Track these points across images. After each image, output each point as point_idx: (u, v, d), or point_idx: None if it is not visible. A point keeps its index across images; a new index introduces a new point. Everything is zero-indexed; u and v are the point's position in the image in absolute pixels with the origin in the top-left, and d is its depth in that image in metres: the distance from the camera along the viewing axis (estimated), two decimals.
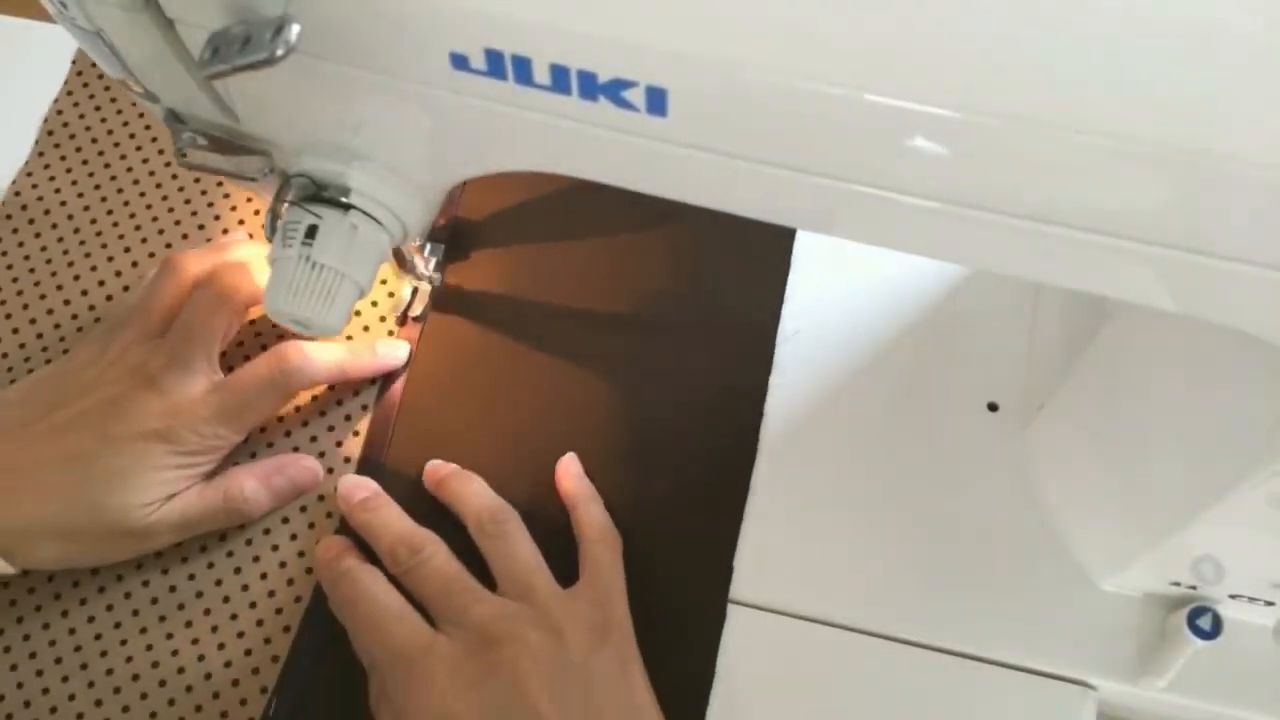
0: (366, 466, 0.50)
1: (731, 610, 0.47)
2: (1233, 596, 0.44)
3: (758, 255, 0.53)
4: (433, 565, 0.44)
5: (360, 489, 0.48)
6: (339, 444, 0.50)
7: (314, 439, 0.50)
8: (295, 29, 0.28)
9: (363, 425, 0.51)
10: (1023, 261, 0.30)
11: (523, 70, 0.28)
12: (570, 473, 0.48)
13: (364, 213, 0.37)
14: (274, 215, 0.38)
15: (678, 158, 0.29)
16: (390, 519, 0.46)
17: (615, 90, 0.28)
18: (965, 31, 0.25)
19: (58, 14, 0.34)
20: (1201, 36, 0.24)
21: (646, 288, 0.53)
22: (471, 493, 0.47)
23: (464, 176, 0.35)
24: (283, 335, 0.51)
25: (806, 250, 0.53)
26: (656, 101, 0.28)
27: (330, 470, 0.50)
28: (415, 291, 0.53)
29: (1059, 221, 0.28)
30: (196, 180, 0.56)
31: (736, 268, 0.53)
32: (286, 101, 0.34)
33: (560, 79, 0.28)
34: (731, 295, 0.53)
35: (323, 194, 0.37)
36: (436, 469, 0.49)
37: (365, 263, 0.37)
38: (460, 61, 0.29)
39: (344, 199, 0.37)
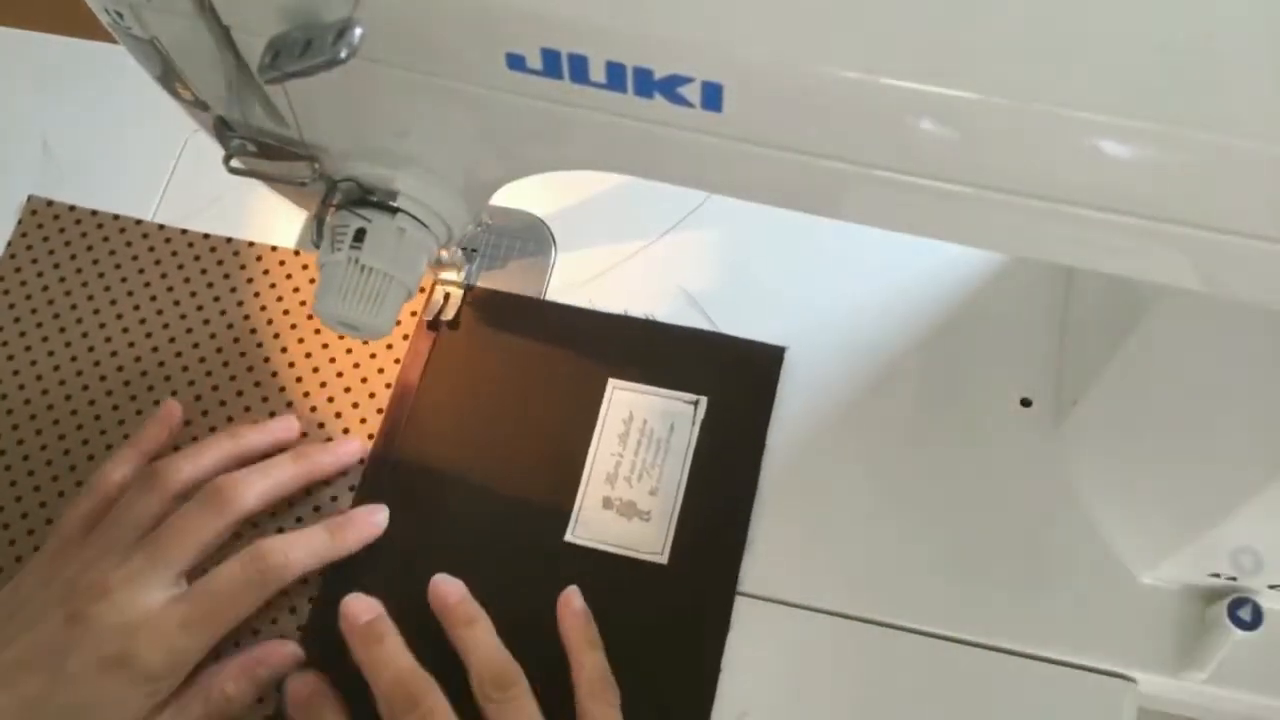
0: (377, 464, 0.50)
1: (752, 605, 0.47)
2: (1272, 587, 0.44)
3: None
4: None
5: (365, 610, 0.45)
6: (362, 420, 0.51)
7: (328, 439, 0.51)
8: (358, 31, 0.28)
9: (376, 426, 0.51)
10: (1055, 245, 0.30)
11: (579, 69, 0.29)
12: (572, 609, 0.46)
13: (411, 216, 0.37)
14: (320, 221, 0.39)
15: (733, 153, 0.29)
16: (392, 656, 0.44)
17: (671, 86, 0.28)
18: (1020, 24, 0.25)
19: (111, 23, 0.34)
20: (1222, 14, 0.24)
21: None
22: (477, 642, 0.44)
23: (516, 177, 0.36)
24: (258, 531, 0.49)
25: (838, 240, 0.54)
26: (712, 97, 0.28)
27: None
28: (447, 297, 0.54)
29: (1088, 204, 0.28)
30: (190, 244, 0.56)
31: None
32: (339, 106, 0.34)
33: (616, 76, 0.29)
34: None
35: (369, 198, 0.38)
36: (443, 592, 0.46)
37: (413, 265, 0.38)
38: (517, 62, 0.29)
39: (391, 203, 0.37)
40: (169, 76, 0.36)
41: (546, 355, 0.52)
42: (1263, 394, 0.37)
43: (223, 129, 0.38)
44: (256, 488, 0.46)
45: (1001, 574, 0.47)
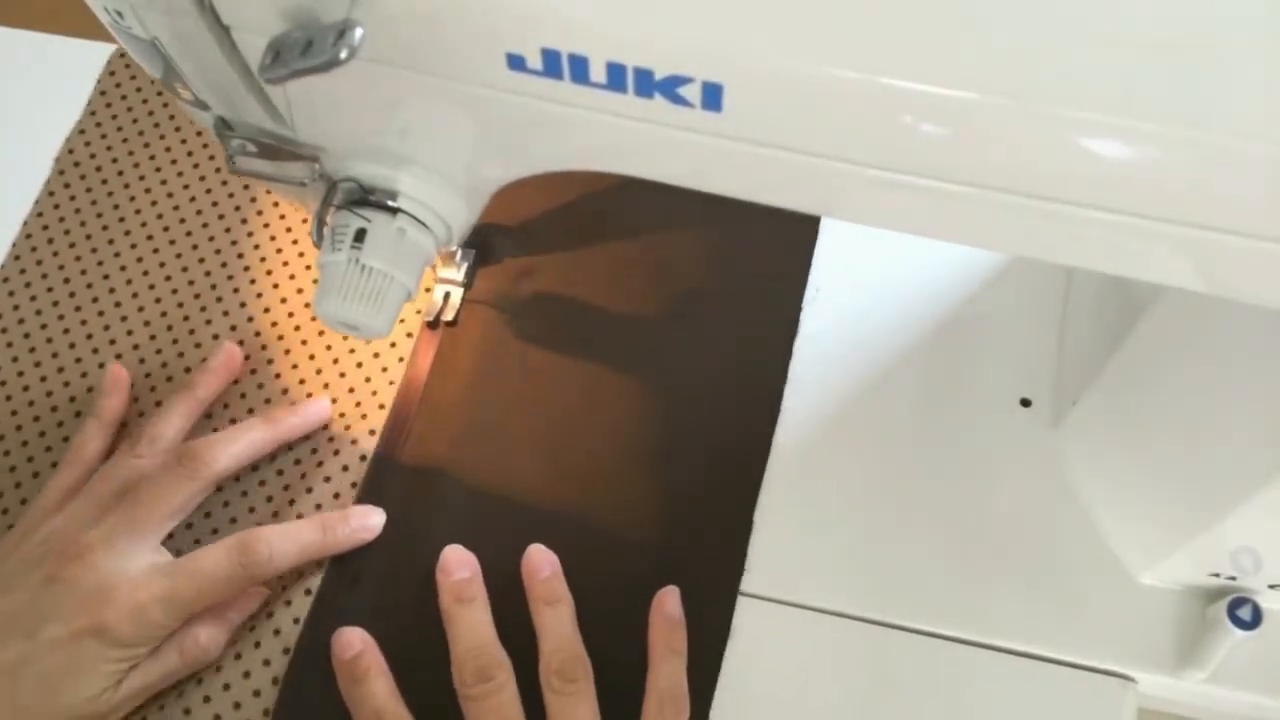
0: (381, 463, 0.50)
1: (753, 604, 0.47)
2: (1272, 586, 0.44)
3: (784, 249, 0.54)
4: (491, 703, 0.43)
5: (462, 566, 0.46)
6: (354, 442, 0.51)
7: (330, 438, 0.51)
8: (358, 32, 0.28)
9: (379, 424, 0.51)
10: (1055, 245, 0.30)
11: (579, 69, 0.29)
12: (665, 612, 0.46)
13: (411, 216, 0.37)
14: (320, 221, 0.39)
15: (733, 153, 0.29)
16: (477, 622, 0.45)
17: (671, 87, 0.28)
18: (1019, 23, 0.25)
19: (112, 24, 0.34)
20: (1222, 13, 0.24)
21: (672, 289, 0.54)
22: (553, 625, 0.45)
23: (514, 177, 0.36)
24: (254, 517, 0.49)
25: (835, 241, 0.54)
26: (712, 97, 0.28)
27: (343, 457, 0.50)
28: (447, 296, 0.54)
29: (1088, 204, 0.28)
30: (205, 225, 0.57)
31: (762, 265, 0.54)
32: (339, 106, 0.34)
33: (616, 77, 0.29)
34: (757, 292, 0.54)
35: (369, 198, 0.38)
36: (535, 565, 0.46)
37: (413, 265, 0.38)
38: (517, 62, 0.29)
39: (391, 203, 0.37)
40: (170, 76, 0.36)
41: (546, 353, 0.53)
42: (1262, 394, 0.37)
43: (223, 129, 0.38)
44: (228, 450, 0.47)
45: (1001, 574, 0.47)
